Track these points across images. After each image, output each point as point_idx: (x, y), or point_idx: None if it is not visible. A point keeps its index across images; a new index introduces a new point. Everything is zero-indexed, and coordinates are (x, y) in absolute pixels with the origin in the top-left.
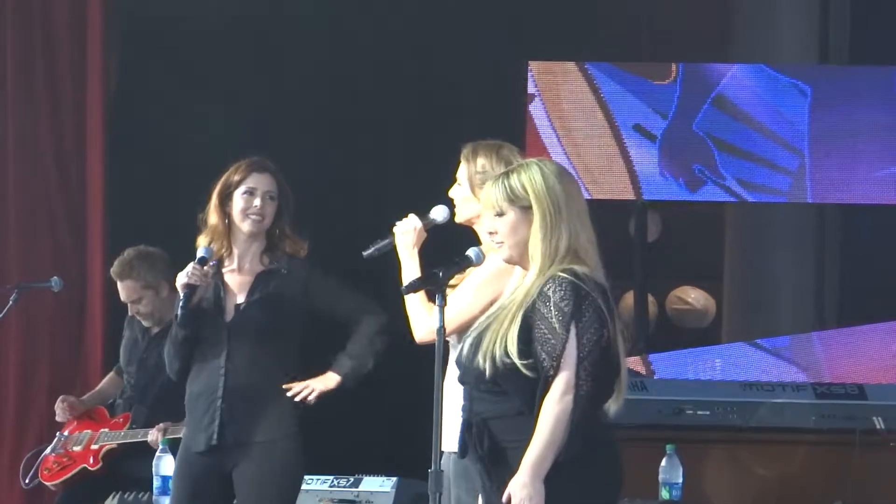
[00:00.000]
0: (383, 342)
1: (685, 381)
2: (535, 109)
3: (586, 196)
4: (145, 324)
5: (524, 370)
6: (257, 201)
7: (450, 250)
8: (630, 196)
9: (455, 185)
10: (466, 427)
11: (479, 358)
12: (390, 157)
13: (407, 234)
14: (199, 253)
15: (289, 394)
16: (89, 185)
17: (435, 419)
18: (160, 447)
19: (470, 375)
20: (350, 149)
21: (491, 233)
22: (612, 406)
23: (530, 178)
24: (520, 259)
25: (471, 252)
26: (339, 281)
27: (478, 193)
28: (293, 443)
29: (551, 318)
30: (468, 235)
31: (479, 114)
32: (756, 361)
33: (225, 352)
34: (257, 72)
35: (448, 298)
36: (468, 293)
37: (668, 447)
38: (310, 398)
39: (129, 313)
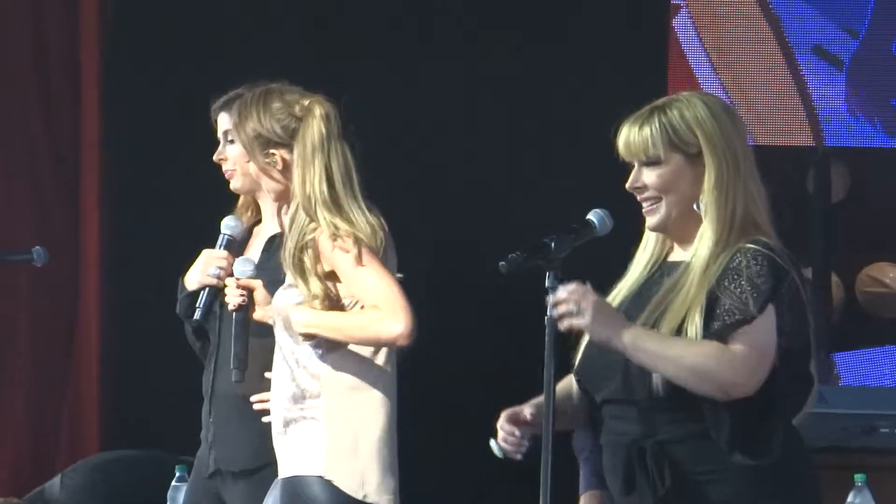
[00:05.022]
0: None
1: (880, 388)
2: (681, 25)
3: (749, 142)
4: None
5: None
6: (219, 149)
7: None
8: (808, 142)
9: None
10: (635, 456)
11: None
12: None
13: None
14: (224, 230)
15: (255, 406)
16: (84, 131)
17: (545, 430)
18: (177, 475)
19: (637, 388)
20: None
21: (637, 188)
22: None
23: (696, 116)
24: (679, 222)
25: (593, 216)
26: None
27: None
28: None
29: (742, 294)
30: None
31: (600, 34)
32: None
33: (216, 345)
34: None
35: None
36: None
37: (858, 477)
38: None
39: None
